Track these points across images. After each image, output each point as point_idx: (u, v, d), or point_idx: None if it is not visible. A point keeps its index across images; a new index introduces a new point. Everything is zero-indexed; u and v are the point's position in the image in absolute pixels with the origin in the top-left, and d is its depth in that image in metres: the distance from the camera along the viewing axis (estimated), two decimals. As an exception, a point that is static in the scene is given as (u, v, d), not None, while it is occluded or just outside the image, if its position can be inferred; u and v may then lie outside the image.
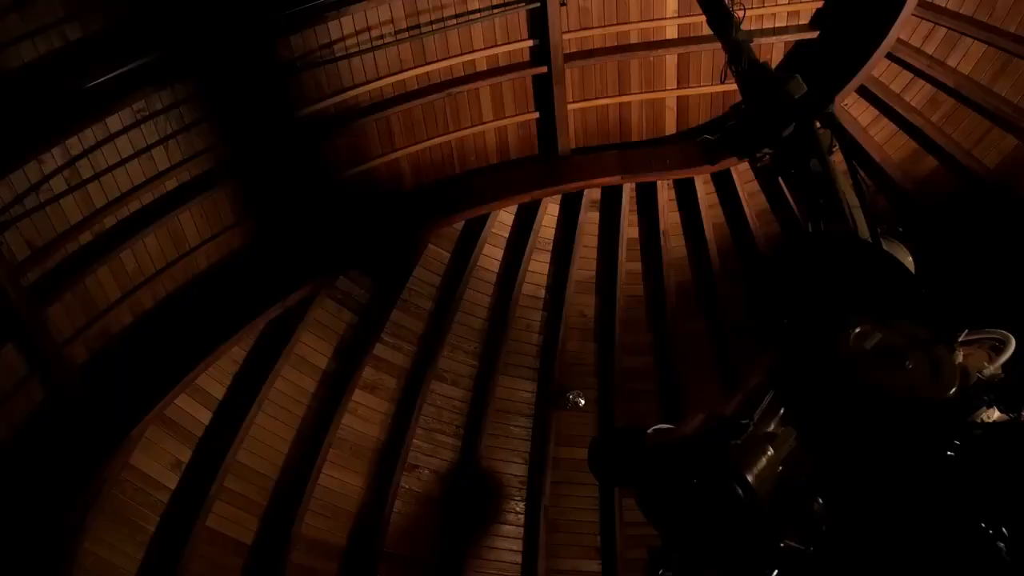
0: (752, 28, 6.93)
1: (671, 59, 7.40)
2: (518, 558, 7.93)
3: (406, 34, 6.65)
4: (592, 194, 8.09)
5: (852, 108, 7.34)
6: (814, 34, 7.22)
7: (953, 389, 2.10)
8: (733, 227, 8.11)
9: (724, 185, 7.97)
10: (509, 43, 7.05)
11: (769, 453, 2.12)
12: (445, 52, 6.92)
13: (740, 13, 4.22)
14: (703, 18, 4.65)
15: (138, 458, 6.50)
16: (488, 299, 8.22)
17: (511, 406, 8.19)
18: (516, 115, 7.55)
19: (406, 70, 6.85)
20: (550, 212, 8.23)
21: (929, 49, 6.85)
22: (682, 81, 7.54)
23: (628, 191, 8.01)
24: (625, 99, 7.63)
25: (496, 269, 8.23)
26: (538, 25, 6.93)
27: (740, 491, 2.03)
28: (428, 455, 7.93)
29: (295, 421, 7.47)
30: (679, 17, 7.11)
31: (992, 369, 2.34)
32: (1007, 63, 6.63)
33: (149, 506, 6.59)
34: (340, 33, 6.43)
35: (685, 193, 8.05)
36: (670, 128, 7.84)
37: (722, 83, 5.87)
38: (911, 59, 6.90)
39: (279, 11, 6.02)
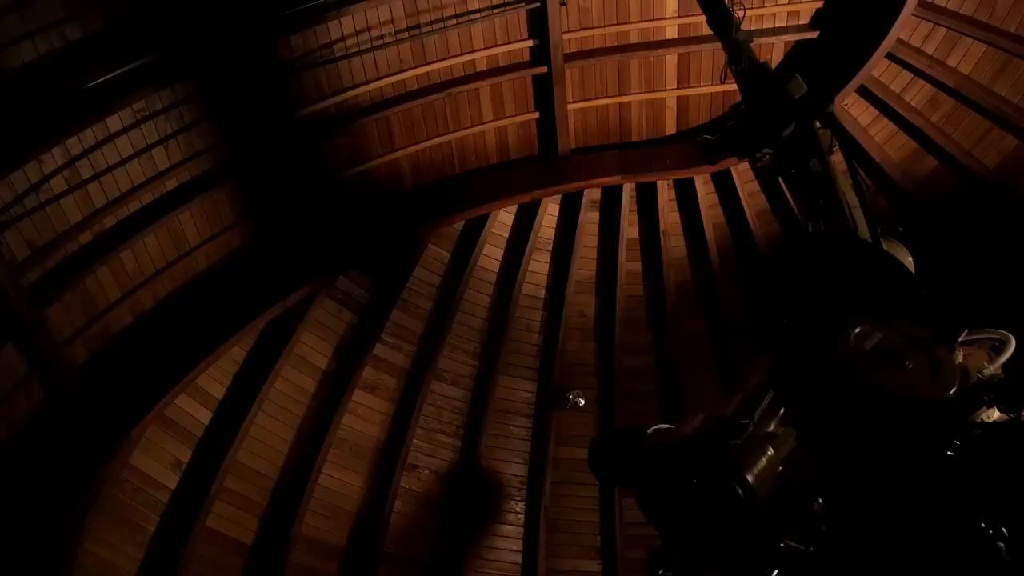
0: (752, 28, 6.93)
1: (671, 59, 7.40)
2: (518, 558, 7.93)
3: (406, 34, 6.65)
4: (592, 194, 8.09)
5: (852, 108, 7.34)
6: (814, 34, 7.22)
7: (953, 389, 2.10)
8: (733, 227, 8.11)
9: (724, 185, 7.97)
10: (509, 43, 7.05)
11: (769, 453, 2.12)
12: (445, 52, 6.92)
13: (740, 13, 4.22)
14: (703, 18, 4.65)
15: (138, 458, 6.50)
16: (488, 299, 8.22)
17: (511, 406, 8.19)
18: (516, 115, 7.55)
19: (406, 70, 6.86)
20: (550, 212, 8.23)
21: (929, 49, 6.85)
22: (682, 81, 7.54)
23: (628, 191, 8.01)
24: (625, 99, 7.63)
25: (496, 269, 8.23)
26: (538, 25, 6.93)
27: (740, 491, 2.03)
28: (428, 455, 7.93)
29: (295, 421, 7.47)
30: (679, 17, 7.11)
31: (992, 369, 2.34)
32: (1007, 63, 6.63)
33: (149, 506, 6.59)
34: (340, 33, 6.43)
35: (685, 193, 8.05)
36: (670, 128, 7.84)
37: (722, 83, 5.88)
38: (911, 59, 6.90)
39: (279, 11, 6.02)
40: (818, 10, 7.15)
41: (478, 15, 6.74)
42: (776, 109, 3.60)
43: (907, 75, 7.08)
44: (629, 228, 8.14)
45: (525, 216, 8.15)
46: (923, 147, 7.29)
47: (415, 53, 6.82)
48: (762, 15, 7.13)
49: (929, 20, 6.70)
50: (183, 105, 6.06)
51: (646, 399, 8.16)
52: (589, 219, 8.20)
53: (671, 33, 7.27)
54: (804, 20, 7.24)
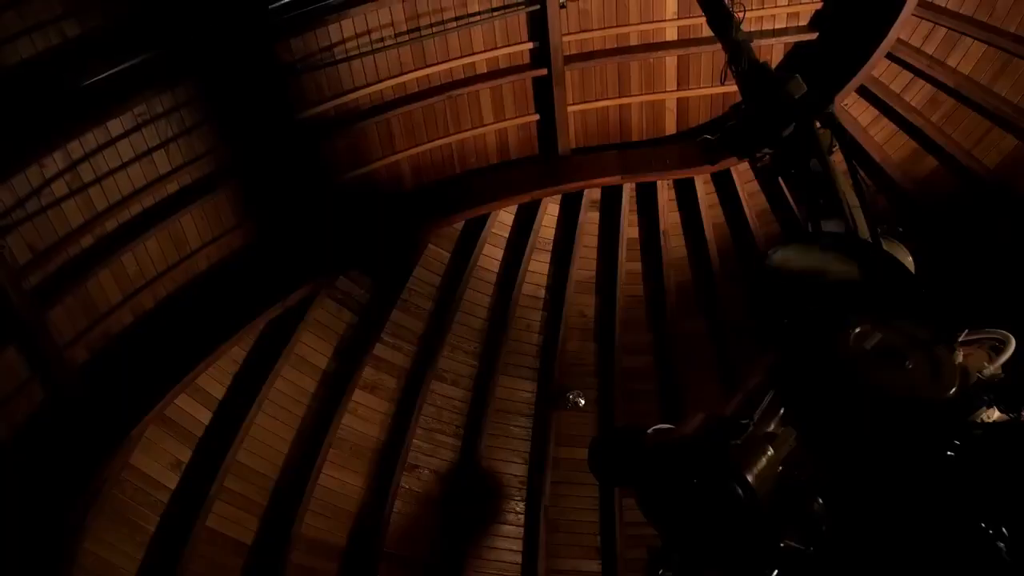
0: (752, 30, 6.93)
1: (671, 61, 7.41)
2: (518, 558, 7.93)
3: (406, 37, 6.65)
4: (592, 194, 8.09)
5: (852, 108, 7.35)
6: (813, 35, 7.22)
7: (953, 389, 2.10)
8: (733, 227, 8.11)
9: (724, 185, 7.97)
10: (509, 45, 7.05)
11: (769, 453, 2.11)
12: (445, 55, 6.92)
13: (740, 14, 4.23)
14: (703, 20, 4.66)
15: (138, 458, 6.50)
16: (488, 299, 8.22)
17: (511, 406, 8.19)
18: (516, 117, 7.55)
19: (406, 73, 6.86)
20: (550, 212, 8.23)
21: (929, 49, 6.86)
22: (682, 83, 7.54)
23: (628, 191, 8.01)
24: (625, 101, 7.63)
25: (496, 269, 8.24)
26: (538, 27, 6.94)
27: (740, 491, 2.03)
28: (428, 455, 7.94)
29: (295, 421, 7.47)
30: (679, 19, 7.12)
31: (992, 369, 2.34)
32: (1007, 63, 6.64)
33: (149, 506, 6.60)
34: (340, 36, 6.43)
35: (685, 193, 8.05)
36: (670, 129, 7.85)
37: (722, 84, 5.85)
38: (911, 59, 6.91)
39: (279, 14, 6.02)
40: (817, 11, 7.16)
41: (478, 18, 6.74)
42: (776, 109, 3.60)
43: (907, 75, 7.09)
44: (629, 228, 8.15)
45: (525, 216, 8.15)
46: (923, 147, 7.29)
47: (415, 56, 6.83)
48: (762, 16, 7.14)
49: (929, 20, 6.70)
50: (184, 108, 6.07)
51: (646, 399, 8.16)
52: (589, 219, 8.21)
53: (671, 35, 7.27)
54: (803, 21, 7.25)
